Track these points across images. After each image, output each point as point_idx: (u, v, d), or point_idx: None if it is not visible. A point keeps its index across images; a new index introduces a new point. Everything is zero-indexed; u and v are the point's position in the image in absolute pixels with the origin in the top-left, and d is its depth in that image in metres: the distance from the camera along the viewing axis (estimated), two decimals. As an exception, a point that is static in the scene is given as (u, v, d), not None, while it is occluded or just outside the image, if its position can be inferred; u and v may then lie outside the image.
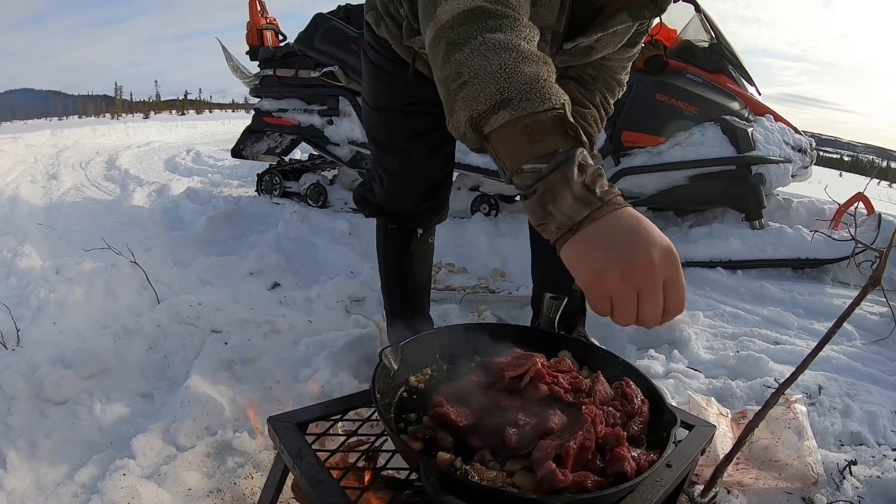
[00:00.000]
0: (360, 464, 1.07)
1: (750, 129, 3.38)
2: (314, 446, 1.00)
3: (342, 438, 1.11)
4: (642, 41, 1.56)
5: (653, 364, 2.11)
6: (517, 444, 0.89)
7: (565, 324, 2.04)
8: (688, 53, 3.55)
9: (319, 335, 2.13)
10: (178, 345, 1.99)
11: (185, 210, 4.06)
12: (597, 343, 2.07)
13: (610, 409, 0.99)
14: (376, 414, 1.00)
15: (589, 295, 0.78)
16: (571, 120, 0.81)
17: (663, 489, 0.97)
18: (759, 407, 1.78)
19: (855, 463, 1.56)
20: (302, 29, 4.05)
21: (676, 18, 3.64)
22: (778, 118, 3.62)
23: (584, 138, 0.81)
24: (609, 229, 0.77)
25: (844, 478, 1.51)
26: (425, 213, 1.85)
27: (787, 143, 3.49)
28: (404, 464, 0.97)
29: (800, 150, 3.55)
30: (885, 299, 2.71)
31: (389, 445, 1.05)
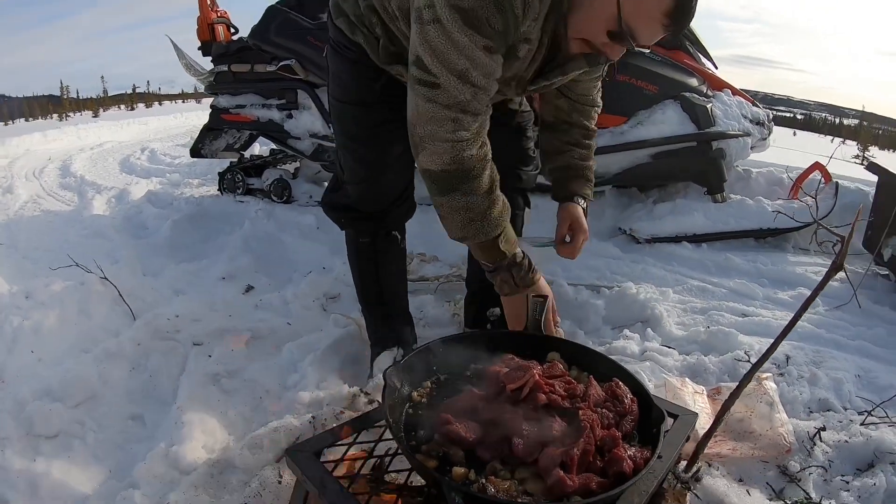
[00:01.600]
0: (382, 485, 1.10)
1: (709, 105, 3.45)
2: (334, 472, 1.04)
3: (358, 460, 1.14)
4: (605, 64, 1.64)
5: (629, 344, 2.18)
6: (524, 453, 0.97)
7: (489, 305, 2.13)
8: (646, 31, 3.58)
9: (301, 338, 2.14)
10: (161, 362, 1.97)
11: (147, 215, 3.96)
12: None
13: (604, 410, 1.06)
14: (388, 433, 1.08)
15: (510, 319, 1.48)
16: (501, 245, 1.40)
17: (657, 479, 1.05)
18: (732, 382, 1.88)
19: (824, 429, 1.65)
20: (254, 21, 3.95)
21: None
22: (736, 92, 3.70)
23: (513, 250, 1.42)
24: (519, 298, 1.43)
25: (815, 444, 1.60)
26: (399, 208, 1.87)
27: (746, 117, 3.57)
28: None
29: (758, 123, 3.64)
30: (855, 269, 2.83)
31: (405, 463, 1.10)
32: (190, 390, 1.78)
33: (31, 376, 1.82)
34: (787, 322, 2.37)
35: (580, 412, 1.01)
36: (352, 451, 1.15)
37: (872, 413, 1.74)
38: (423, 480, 1.04)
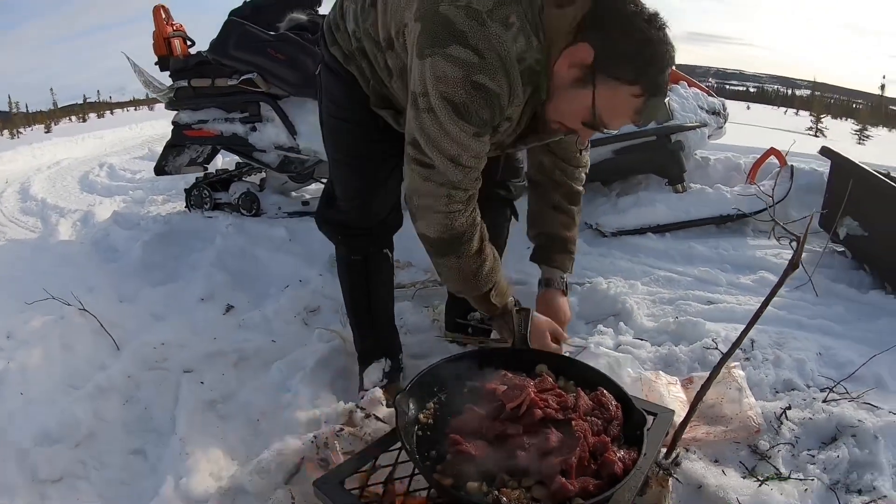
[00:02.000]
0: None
1: (667, 100, 3.56)
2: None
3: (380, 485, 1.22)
4: None
5: (603, 339, 2.27)
6: (528, 464, 1.08)
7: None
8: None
9: (288, 356, 2.18)
10: (153, 393, 1.99)
11: (116, 238, 3.90)
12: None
13: (592, 418, 1.18)
14: (403, 456, 1.19)
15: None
16: (493, 299, 1.57)
17: (643, 475, 1.17)
18: (703, 370, 2.00)
19: (790, 408, 1.77)
20: (211, 31, 3.92)
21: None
22: (691, 83, 3.84)
23: (504, 301, 1.60)
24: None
25: (782, 423, 1.72)
26: (392, 219, 1.95)
27: (702, 108, 3.71)
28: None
29: (714, 113, 3.79)
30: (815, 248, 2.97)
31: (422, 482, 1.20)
32: (188, 419, 1.80)
33: (26, 419, 1.83)
34: (750, 307, 2.51)
35: (573, 423, 1.14)
36: (373, 477, 1.23)
37: (833, 390, 1.87)
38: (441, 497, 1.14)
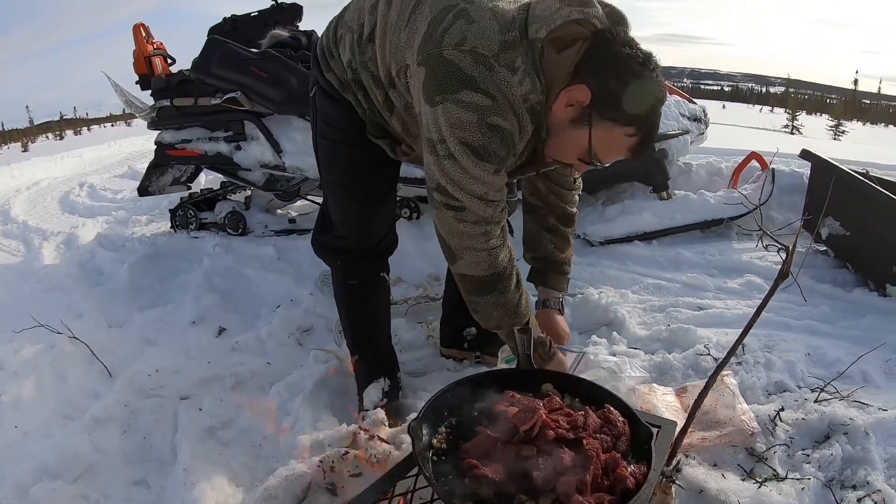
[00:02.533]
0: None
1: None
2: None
3: None
4: None
5: (598, 350, 2.28)
6: (544, 483, 1.11)
7: (464, 326, 2.28)
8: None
9: (285, 378, 2.17)
10: (151, 421, 1.98)
11: (101, 260, 3.85)
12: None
13: (602, 436, 1.21)
14: (420, 481, 1.22)
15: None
16: (529, 327, 1.52)
17: (652, 487, 1.18)
18: (697, 377, 2.04)
19: (783, 410, 1.82)
20: (191, 48, 3.91)
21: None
22: (672, 91, 3.90)
23: (537, 333, 1.58)
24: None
25: (776, 425, 1.76)
26: (388, 241, 1.97)
27: (684, 115, 3.78)
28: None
29: (695, 119, 3.85)
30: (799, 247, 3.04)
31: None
32: (189, 448, 1.79)
33: (24, 454, 1.81)
34: (739, 311, 2.55)
35: (584, 441, 1.17)
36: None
37: (824, 390, 1.93)
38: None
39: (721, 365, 1.49)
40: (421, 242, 3.49)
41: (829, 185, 2.70)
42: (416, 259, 3.37)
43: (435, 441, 1.26)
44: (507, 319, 1.57)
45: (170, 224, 4.48)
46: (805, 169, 3.54)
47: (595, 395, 1.37)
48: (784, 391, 1.99)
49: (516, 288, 1.57)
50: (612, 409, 1.29)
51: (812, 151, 3.12)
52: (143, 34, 4.29)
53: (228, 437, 1.89)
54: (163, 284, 3.47)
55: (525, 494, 1.11)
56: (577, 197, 1.98)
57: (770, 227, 3.54)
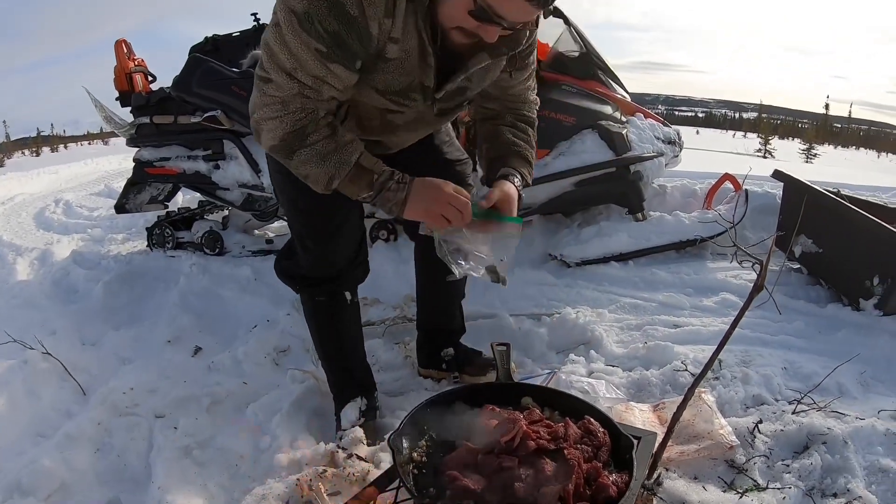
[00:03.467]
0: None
1: (624, 131, 3.68)
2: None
3: None
4: (532, 59, 1.72)
5: (576, 368, 2.30)
6: (525, 494, 1.11)
7: (449, 342, 2.27)
8: (560, 65, 3.79)
9: (261, 398, 2.14)
10: (125, 440, 1.95)
11: (76, 278, 3.80)
12: (476, 349, 2.28)
13: (583, 446, 1.22)
14: (402, 495, 1.20)
15: (426, 223, 1.50)
16: (365, 163, 1.46)
17: (634, 496, 1.19)
18: (674, 393, 2.06)
19: (761, 422, 1.85)
20: (172, 67, 3.91)
21: (548, 33, 3.88)
22: (647, 115, 3.97)
23: (382, 167, 1.48)
24: (415, 195, 1.47)
25: (755, 437, 1.79)
26: (354, 271, 1.92)
27: (658, 138, 3.83)
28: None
29: (670, 142, 3.91)
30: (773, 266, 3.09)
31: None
32: (165, 467, 1.76)
33: (-6, 469, 1.76)
34: (715, 328, 2.59)
35: (566, 451, 1.17)
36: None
37: (801, 402, 1.96)
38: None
39: (699, 377, 1.52)
40: (399, 265, 3.49)
41: (801, 204, 2.77)
42: (394, 281, 3.37)
43: (415, 454, 1.26)
44: (332, 164, 1.44)
45: (146, 243, 4.43)
46: (778, 190, 3.62)
47: (575, 408, 1.38)
48: (762, 404, 2.02)
49: (329, 137, 1.45)
50: (592, 420, 1.30)
51: (784, 172, 3.20)
52: (125, 50, 4.28)
53: (204, 456, 1.85)
54: (138, 304, 3.42)
55: None
56: (535, 110, 1.87)
57: (739, 256, 3.60)
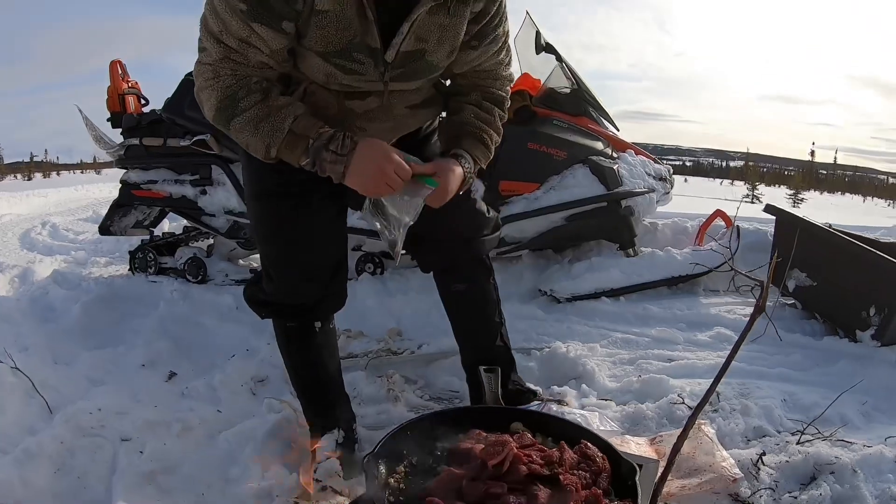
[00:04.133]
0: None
1: (615, 167, 3.67)
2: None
3: None
4: (501, 31, 1.61)
5: (568, 400, 2.20)
6: None
7: (501, 377, 2.09)
8: (552, 101, 3.81)
9: (235, 427, 2.02)
10: (88, 461, 1.83)
11: (54, 297, 3.66)
12: (532, 387, 2.12)
13: (580, 472, 1.10)
14: None
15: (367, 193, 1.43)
16: (298, 129, 1.39)
17: None
18: (671, 426, 1.97)
19: (764, 454, 1.76)
20: (165, 93, 3.87)
21: (540, 69, 3.90)
22: (638, 152, 3.97)
23: (316, 129, 1.40)
24: (356, 167, 1.39)
25: (759, 469, 1.70)
26: (322, 304, 1.81)
27: (649, 174, 3.82)
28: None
29: (661, 179, 3.90)
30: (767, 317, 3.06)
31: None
32: (125, 492, 1.64)
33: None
34: (710, 362, 2.52)
35: (561, 477, 1.05)
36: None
37: (805, 432, 1.89)
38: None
39: (700, 405, 1.44)
40: (384, 298, 3.42)
41: (793, 237, 2.74)
42: (379, 314, 3.29)
43: (392, 480, 1.13)
44: (266, 131, 1.38)
45: (128, 266, 4.34)
46: (769, 227, 3.60)
47: (569, 434, 1.26)
48: (763, 436, 1.94)
49: (262, 102, 1.40)
50: (589, 444, 1.19)
51: (776, 206, 3.19)
52: (119, 71, 4.26)
53: (169, 483, 1.73)
54: (116, 327, 3.31)
55: None
56: (507, 87, 1.75)
57: (737, 281, 3.56)
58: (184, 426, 2.06)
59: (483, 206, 1.94)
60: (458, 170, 1.55)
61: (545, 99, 3.81)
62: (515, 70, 3.03)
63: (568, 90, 3.85)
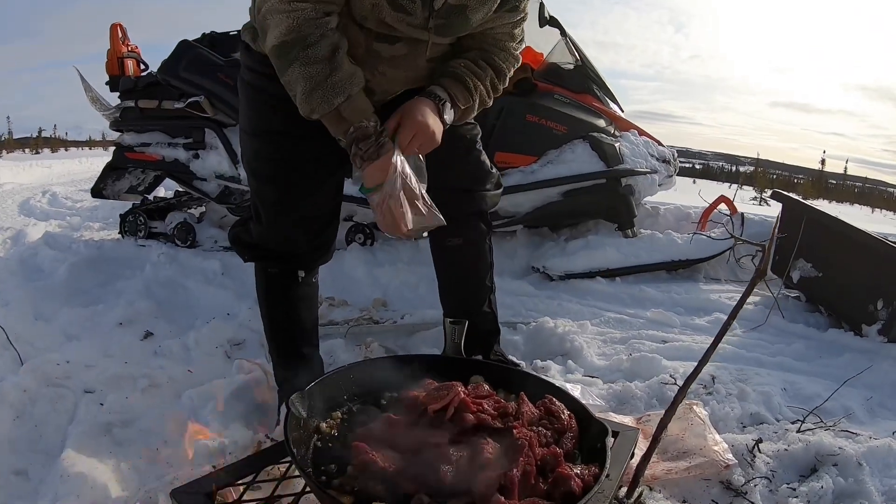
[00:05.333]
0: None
1: (617, 144, 3.57)
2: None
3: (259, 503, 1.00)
4: (524, 6, 1.54)
5: (551, 378, 2.11)
6: (455, 481, 0.85)
7: (482, 347, 1.99)
8: (554, 75, 3.70)
9: (202, 385, 1.94)
10: (48, 411, 1.79)
11: (43, 258, 3.64)
12: (515, 360, 2.04)
13: (540, 429, 0.97)
14: (293, 470, 0.94)
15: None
16: (345, 113, 1.36)
17: (607, 500, 0.97)
18: (661, 407, 1.86)
19: (761, 441, 1.65)
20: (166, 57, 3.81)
21: (543, 42, 3.79)
22: (642, 132, 3.86)
23: (359, 120, 1.37)
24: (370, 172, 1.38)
25: (755, 456, 1.59)
26: (309, 254, 1.73)
27: (653, 155, 3.71)
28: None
29: (664, 161, 3.79)
30: (768, 291, 2.96)
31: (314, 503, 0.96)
32: (78, 441, 1.58)
33: None
34: (707, 345, 2.43)
35: (514, 431, 0.92)
36: (251, 493, 1.01)
37: (806, 420, 1.79)
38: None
39: (692, 375, 1.33)
40: (372, 268, 3.36)
41: (799, 226, 2.63)
42: (366, 285, 3.23)
43: (324, 425, 1.02)
44: (316, 98, 1.34)
45: (118, 230, 4.29)
46: (773, 219, 3.48)
47: (537, 391, 1.12)
48: (761, 423, 1.83)
49: (327, 60, 1.34)
50: (554, 399, 1.05)
51: (783, 192, 3.08)
52: (119, 34, 4.19)
53: (125, 436, 1.66)
54: (102, 288, 3.26)
55: (428, 494, 0.84)
56: (511, 61, 1.64)
57: (739, 273, 3.45)
58: (151, 382, 2.00)
59: (488, 161, 1.85)
60: (425, 106, 1.46)
61: (547, 73, 3.70)
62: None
63: (571, 66, 3.74)
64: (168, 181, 4.38)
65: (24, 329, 2.39)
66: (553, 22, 3.72)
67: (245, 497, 0.98)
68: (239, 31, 1.62)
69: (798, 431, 1.72)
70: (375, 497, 0.85)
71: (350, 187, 3.51)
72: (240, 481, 1.00)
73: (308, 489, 0.95)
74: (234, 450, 1.44)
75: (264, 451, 1.10)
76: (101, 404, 1.82)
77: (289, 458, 0.99)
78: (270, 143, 1.59)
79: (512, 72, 1.64)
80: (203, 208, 4.47)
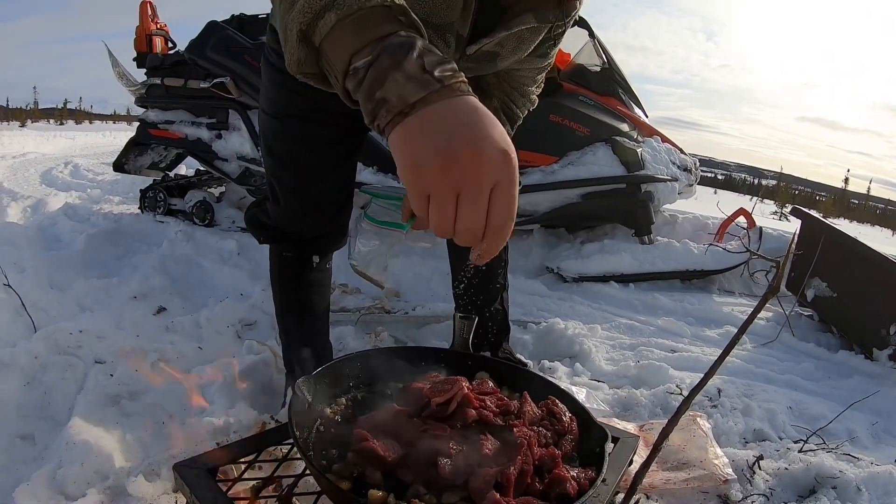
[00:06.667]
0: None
1: (639, 150, 3.54)
2: (230, 493, 0.91)
3: (259, 482, 1.01)
4: (553, 53, 1.52)
5: (556, 380, 2.11)
6: (452, 475, 0.84)
7: (490, 343, 1.99)
8: (580, 77, 3.67)
9: (211, 363, 1.97)
10: (58, 378, 1.81)
11: (62, 228, 3.71)
12: (523, 359, 2.05)
13: (540, 429, 0.97)
14: (294, 452, 0.95)
15: (407, 188, 0.68)
16: (408, 8, 0.73)
17: (599, 500, 0.97)
18: (665, 416, 1.85)
19: (762, 458, 1.64)
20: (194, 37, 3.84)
21: (570, 43, 3.76)
22: (665, 139, 3.82)
23: (422, 28, 0.73)
24: (442, 115, 0.66)
25: (755, 473, 1.58)
26: (323, 238, 1.73)
27: (674, 163, 3.68)
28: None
29: (685, 170, 3.76)
30: (780, 308, 2.92)
31: (312, 486, 0.98)
32: (86, 410, 1.60)
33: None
34: (716, 357, 2.40)
35: (514, 429, 0.92)
36: (252, 472, 1.02)
37: (809, 440, 1.77)
38: (333, 504, 0.92)
39: (697, 388, 1.31)
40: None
41: (818, 244, 2.60)
42: (379, 275, 3.23)
43: (329, 410, 1.02)
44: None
45: (138, 205, 4.34)
46: (792, 234, 3.45)
47: (541, 391, 1.12)
48: (763, 440, 1.82)
49: None
50: (557, 401, 1.05)
51: (803, 209, 3.04)
52: (149, 12, 4.23)
53: (132, 408, 1.68)
54: (118, 261, 3.30)
55: (424, 486, 0.85)
56: (527, 109, 1.65)
57: (753, 287, 3.42)
58: (161, 357, 2.01)
59: None
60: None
61: (574, 74, 3.67)
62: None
63: (598, 68, 3.71)
64: (189, 159, 4.44)
65: (39, 297, 2.42)
66: (582, 23, 3.70)
67: (246, 475, 0.99)
68: (268, 14, 1.61)
69: (800, 451, 1.71)
70: (373, 484, 0.85)
71: (365, 176, 3.53)
72: (241, 459, 1.01)
73: (307, 472, 0.96)
74: (239, 429, 1.46)
75: (267, 431, 1.10)
76: (111, 375, 1.83)
77: (291, 441, 1.00)
78: (291, 125, 1.57)
79: (523, 115, 1.64)
80: (223, 188, 4.51)
